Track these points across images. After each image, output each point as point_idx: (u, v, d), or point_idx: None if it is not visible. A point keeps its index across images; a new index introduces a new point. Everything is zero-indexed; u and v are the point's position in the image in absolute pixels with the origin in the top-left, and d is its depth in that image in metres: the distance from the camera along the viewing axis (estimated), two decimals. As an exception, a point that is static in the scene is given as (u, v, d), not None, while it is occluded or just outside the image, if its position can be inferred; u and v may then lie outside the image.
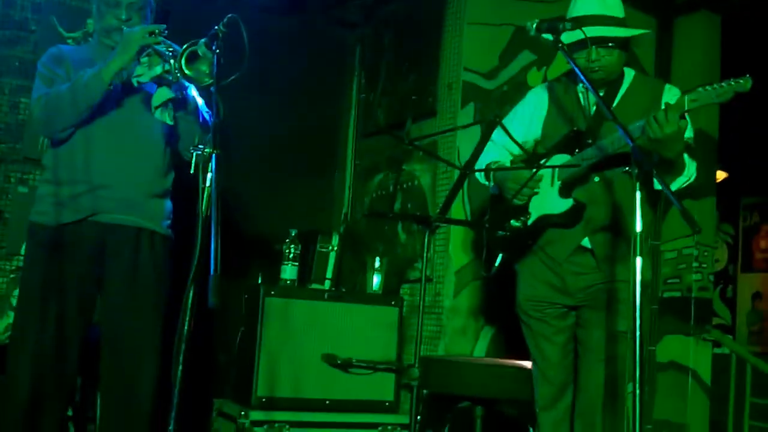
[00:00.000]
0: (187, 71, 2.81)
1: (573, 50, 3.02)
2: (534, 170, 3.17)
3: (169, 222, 3.32)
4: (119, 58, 3.00)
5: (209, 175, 2.50)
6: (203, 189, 2.50)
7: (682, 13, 5.04)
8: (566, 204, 3.18)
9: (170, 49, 2.94)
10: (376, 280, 4.40)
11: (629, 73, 3.27)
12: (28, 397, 3.03)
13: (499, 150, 3.41)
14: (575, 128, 3.19)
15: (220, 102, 2.67)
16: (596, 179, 3.16)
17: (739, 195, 8.36)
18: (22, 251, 3.83)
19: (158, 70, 2.97)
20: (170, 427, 2.38)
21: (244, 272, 4.41)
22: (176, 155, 3.31)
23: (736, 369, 4.60)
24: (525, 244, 3.29)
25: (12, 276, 4.33)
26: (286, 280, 4.14)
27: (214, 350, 4.58)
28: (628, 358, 2.50)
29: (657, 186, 2.97)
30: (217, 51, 2.65)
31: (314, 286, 4.36)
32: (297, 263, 4.18)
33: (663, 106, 2.82)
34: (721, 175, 6.73)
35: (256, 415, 3.81)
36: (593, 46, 3.05)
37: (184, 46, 2.82)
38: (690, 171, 3.08)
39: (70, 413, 3.70)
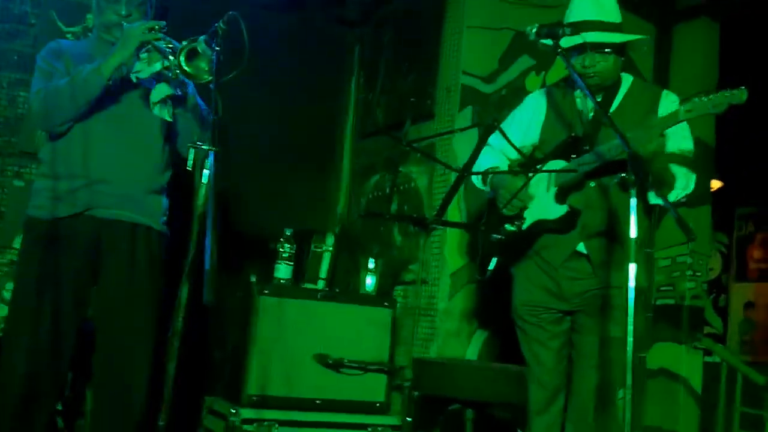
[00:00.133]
0: (186, 68, 2.82)
1: (569, 55, 3.03)
2: (527, 179, 3.18)
3: (165, 218, 3.32)
4: (119, 53, 3.00)
5: (206, 172, 2.51)
6: (200, 186, 2.51)
7: (682, 20, 5.05)
8: (561, 210, 3.18)
9: (170, 46, 2.95)
10: (370, 281, 4.40)
11: (627, 79, 3.28)
12: (21, 391, 3.02)
13: (496, 155, 3.42)
14: (573, 134, 3.19)
15: (219, 99, 2.67)
16: (592, 185, 3.16)
17: (734, 204, 8.37)
18: (15, 244, 3.82)
19: (158, 66, 2.97)
20: (161, 423, 2.38)
21: (239, 270, 4.42)
22: (174, 152, 3.31)
23: (727, 378, 4.61)
24: (521, 249, 3.30)
25: (5, 269, 4.32)
26: (280, 279, 4.14)
27: (207, 347, 4.58)
28: (620, 364, 2.50)
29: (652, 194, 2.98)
30: (217, 48, 2.66)
31: (308, 285, 4.36)
32: (292, 263, 4.17)
33: (660, 113, 2.83)
34: (716, 184, 6.74)
35: (247, 413, 3.80)
36: (589, 52, 3.06)
37: (184, 43, 2.83)
38: (685, 183, 3.09)
39: (59, 407, 3.70)
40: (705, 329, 5.09)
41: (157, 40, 2.97)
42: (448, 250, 4.44)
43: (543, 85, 4.56)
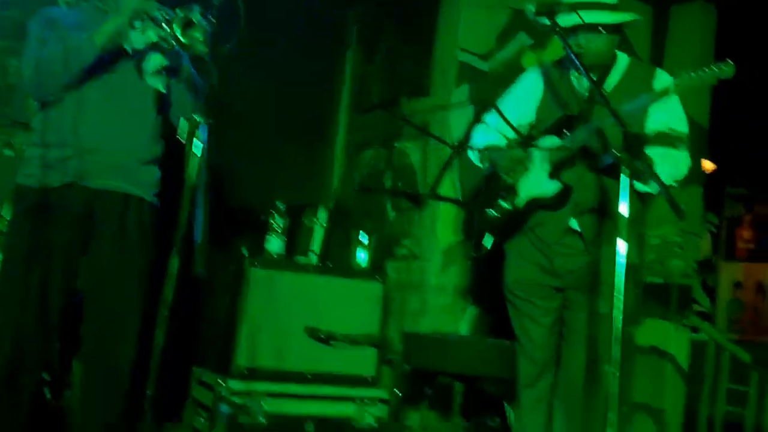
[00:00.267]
0: (181, 38, 2.80)
1: (566, 34, 3.03)
2: (525, 152, 3.19)
3: (157, 190, 3.31)
4: (113, 22, 2.98)
5: (199, 144, 2.50)
6: (192, 157, 2.50)
7: (678, 2, 5.04)
8: (554, 186, 3.19)
9: (165, 16, 2.93)
10: (362, 255, 4.41)
11: (623, 58, 3.28)
12: (8, 362, 3.01)
13: (492, 133, 3.43)
14: (567, 113, 3.20)
15: (213, 71, 2.66)
16: (584, 163, 3.17)
17: (725, 185, 8.40)
18: (4, 213, 3.80)
19: (152, 36, 2.95)
20: (148, 392, 2.39)
21: (231, 243, 4.41)
22: (167, 123, 3.29)
23: (714, 355, 4.64)
24: (514, 226, 3.31)
25: (-5, 239, 4.30)
26: (272, 252, 4.15)
27: (197, 319, 4.58)
28: (608, 340, 2.52)
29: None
30: (213, 19, 2.64)
31: (300, 259, 4.36)
32: (284, 236, 4.18)
33: (654, 92, 2.86)
34: (709, 166, 6.75)
35: (235, 384, 3.81)
36: (583, 31, 3.07)
37: (179, 13, 2.80)
38: (673, 170, 3.10)
39: (47, 378, 3.70)
40: (694, 308, 5.12)
41: (152, 9, 2.95)
42: (441, 226, 4.45)
43: (540, 64, 4.55)
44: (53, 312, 3.09)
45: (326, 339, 4.05)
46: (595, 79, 3.12)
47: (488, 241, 3.37)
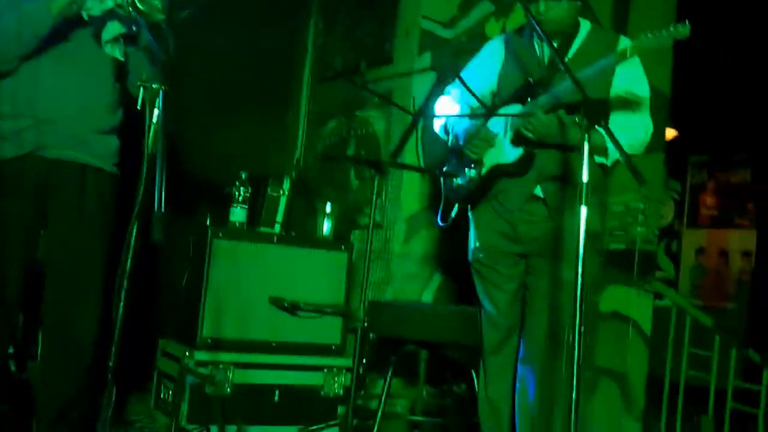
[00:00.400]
0: (139, 5, 2.76)
1: (527, 1, 3.03)
2: (485, 121, 3.19)
3: (116, 160, 3.27)
4: (69, -11, 2.93)
5: (156, 112, 2.47)
6: (149, 125, 2.47)
7: (641, -31, 5.04)
8: (517, 153, 3.20)
9: (122, -18, 2.88)
10: (326, 225, 4.39)
11: (585, 25, 3.28)
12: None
13: (456, 103, 3.43)
14: (529, 80, 3.20)
15: (171, 38, 2.63)
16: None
17: (688, 153, 8.48)
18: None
19: (109, 3, 2.89)
20: (110, 363, 2.38)
21: (194, 213, 4.38)
22: (126, 92, 3.25)
23: (676, 320, 4.70)
24: (479, 194, 3.32)
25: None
26: (235, 222, 4.12)
27: (160, 290, 4.56)
28: (571, 306, 2.54)
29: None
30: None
31: (263, 229, 4.34)
32: (246, 206, 4.15)
33: (613, 55, 2.88)
34: (671, 133, 6.81)
35: (201, 355, 3.80)
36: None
37: (136, -21, 2.76)
38: (633, 138, 3.12)
39: (11, 351, 3.67)
40: (657, 274, 5.18)
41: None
42: (405, 194, 4.45)
43: (503, 32, 4.55)
44: (13, 283, 3.06)
45: (291, 308, 4.05)
46: (556, 46, 3.13)
47: (455, 210, 3.38)
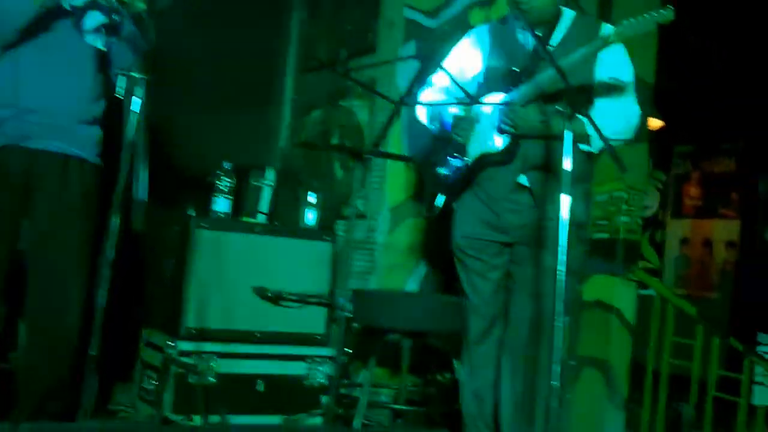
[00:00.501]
0: (121, -5, 2.75)
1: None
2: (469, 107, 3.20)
3: (99, 150, 3.26)
4: (50, -21, 2.92)
5: (137, 101, 2.47)
6: (130, 114, 2.47)
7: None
8: (503, 142, 3.20)
9: (104, -29, 2.87)
10: (310, 215, 4.39)
11: (569, 14, 3.28)
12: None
13: (440, 92, 3.43)
14: (512, 68, 3.20)
15: (152, 28, 2.62)
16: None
17: (673, 143, 8.50)
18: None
19: (91, -8, 2.89)
20: (92, 353, 2.37)
21: (177, 204, 4.36)
22: (108, 82, 3.24)
23: (660, 309, 4.72)
24: (464, 183, 3.32)
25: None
26: (219, 212, 4.11)
27: (144, 280, 4.54)
28: (555, 294, 2.55)
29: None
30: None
31: (247, 219, 4.33)
32: (230, 196, 4.13)
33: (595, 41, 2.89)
34: (655, 123, 6.83)
35: (185, 345, 3.79)
36: None
37: (117, -31, 2.75)
38: (616, 124, 3.13)
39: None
40: (642, 264, 5.20)
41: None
42: (389, 184, 4.45)
43: (487, 20, 4.54)
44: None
45: (275, 298, 4.04)
46: (540, 34, 3.13)
47: (439, 200, 3.38)
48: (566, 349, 4.07)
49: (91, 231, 3.19)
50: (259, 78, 5.43)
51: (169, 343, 3.75)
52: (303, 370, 4.06)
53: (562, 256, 2.54)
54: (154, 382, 3.89)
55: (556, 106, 2.68)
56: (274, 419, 3.93)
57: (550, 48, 3.11)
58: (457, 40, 3.55)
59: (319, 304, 4.14)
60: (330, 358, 4.07)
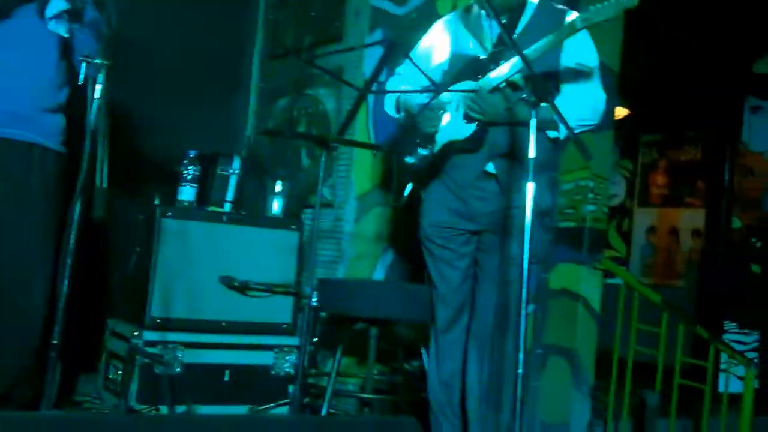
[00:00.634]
0: (83, -20, 2.72)
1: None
2: (436, 95, 3.19)
3: (63, 138, 3.23)
4: (11, -35, 2.88)
5: (99, 87, 2.45)
6: (92, 101, 2.44)
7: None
8: (469, 129, 3.20)
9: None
10: (277, 204, 4.36)
11: (532, 1, 3.28)
12: None
13: (406, 82, 3.42)
14: (479, 56, 3.20)
15: (113, 13, 2.59)
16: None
17: (639, 132, 8.56)
18: None
19: (53, -22, 2.86)
20: (54, 341, 2.35)
21: (142, 192, 4.33)
22: (71, 69, 3.20)
23: (625, 297, 4.75)
24: (432, 172, 3.32)
25: None
26: (184, 201, 4.07)
27: (109, 269, 4.50)
28: (520, 283, 2.56)
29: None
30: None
31: (213, 209, 4.30)
32: (196, 185, 4.10)
33: (560, 28, 2.90)
34: (621, 111, 6.87)
35: (150, 335, 3.77)
36: None
37: (79, -46, 2.72)
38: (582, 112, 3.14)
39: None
40: (609, 253, 5.23)
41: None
42: (356, 173, 4.43)
43: (454, 9, 4.53)
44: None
45: (241, 288, 4.03)
46: (505, 22, 3.13)
47: (408, 189, 3.37)
48: (533, 337, 4.09)
49: (55, 219, 3.16)
50: (226, 64, 5.39)
51: (135, 332, 3.72)
52: (270, 359, 4.05)
53: (527, 244, 2.55)
54: (119, 372, 3.86)
55: (522, 94, 2.68)
56: (240, 409, 3.92)
57: (514, 35, 3.11)
58: (425, 28, 3.54)
59: (285, 293, 4.13)
60: (297, 347, 4.06)
